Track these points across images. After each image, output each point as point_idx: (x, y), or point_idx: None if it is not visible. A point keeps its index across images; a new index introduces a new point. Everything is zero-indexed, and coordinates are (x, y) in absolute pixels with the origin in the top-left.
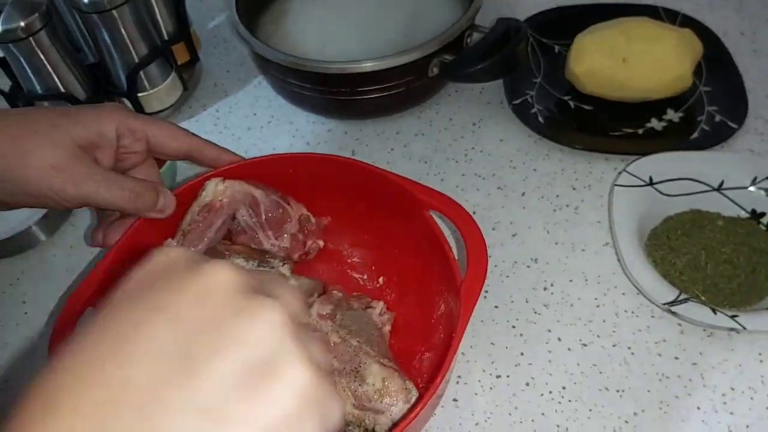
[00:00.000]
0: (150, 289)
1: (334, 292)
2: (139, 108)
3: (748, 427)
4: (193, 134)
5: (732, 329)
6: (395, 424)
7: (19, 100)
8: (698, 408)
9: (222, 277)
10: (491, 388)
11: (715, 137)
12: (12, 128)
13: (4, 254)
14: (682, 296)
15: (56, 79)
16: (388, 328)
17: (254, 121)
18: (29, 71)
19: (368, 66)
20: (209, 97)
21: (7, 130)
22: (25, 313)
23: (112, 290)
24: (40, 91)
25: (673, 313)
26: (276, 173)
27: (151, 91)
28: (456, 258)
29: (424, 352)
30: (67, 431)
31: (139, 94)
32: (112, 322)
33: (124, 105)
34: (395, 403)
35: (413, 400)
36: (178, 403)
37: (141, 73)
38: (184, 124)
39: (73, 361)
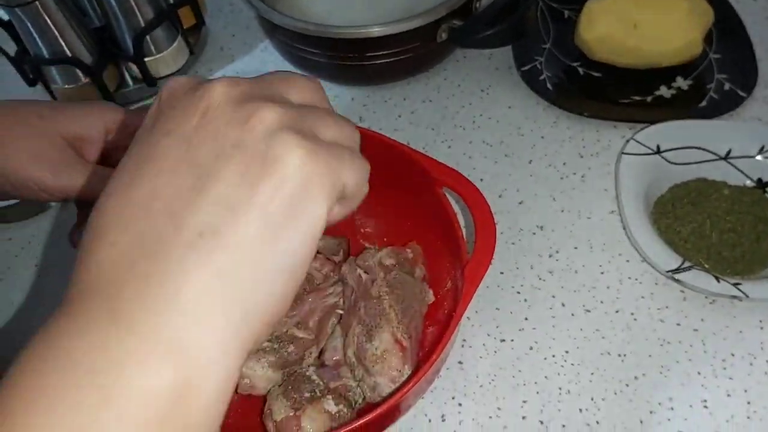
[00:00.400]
0: (160, 118)
1: (408, 251)
2: (146, 72)
3: (746, 391)
4: None
5: (734, 297)
6: (390, 394)
7: (25, 64)
8: (698, 373)
9: (216, 93)
10: (495, 352)
11: (724, 106)
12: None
13: (16, 218)
14: (686, 264)
15: (62, 43)
16: (431, 296)
17: None
18: (35, 35)
19: (376, 31)
20: (215, 61)
21: None
22: (38, 276)
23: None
24: (46, 56)
25: (677, 281)
26: None
27: (158, 56)
28: (464, 236)
29: (428, 326)
30: (110, 243)
31: (146, 59)
32: (135, 148)
33: (114, 104)
34: (382, 376)
35: (399, 383)
36: (194, 200)
37: (147, 37)
38: None
39: (111, 185)
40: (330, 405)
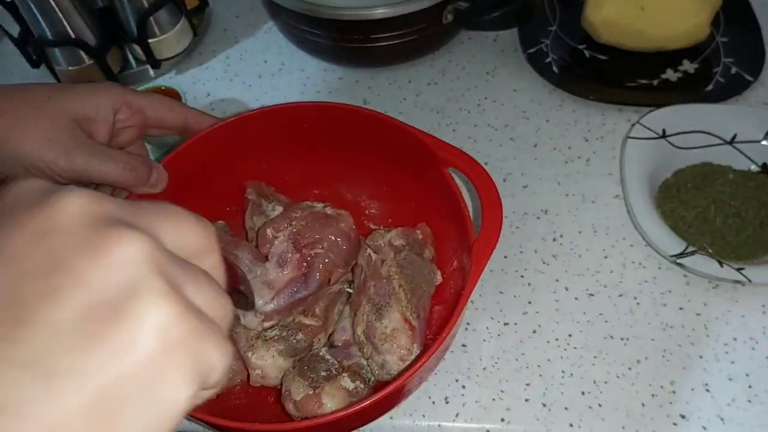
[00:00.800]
0: None
1: (418, 232)
2: (150, 54)
3: (747, 375)
4: (189, 107)
5: (737, 281)
6: (399, 374)
7: (29, 46)
8: (700, 357)
9: (70, 209)
10: (499, 335)
11: (730, 90)
12: (7, 101)
13: None
14: (690, 248)
15: (66, 25)
16: (439, 277)
17: (265, 69)
18: (39, 16)
19: (381, 12)
20: (219, 43)
21: (2, 103)
22: None
23: None
24: (50, 37)
25: (681, 265)
26: (292, 123)
27: (161, 37)
28: (471, 216)
29: (435, 305)
30: None
31: (150, 40)
32: None
33: (121, 84)
34: (391, 354)
35: (408, 361)
36: (2, 358)
37: (151, 18)
38: (194, 71)
39: None
40: (347, 382)
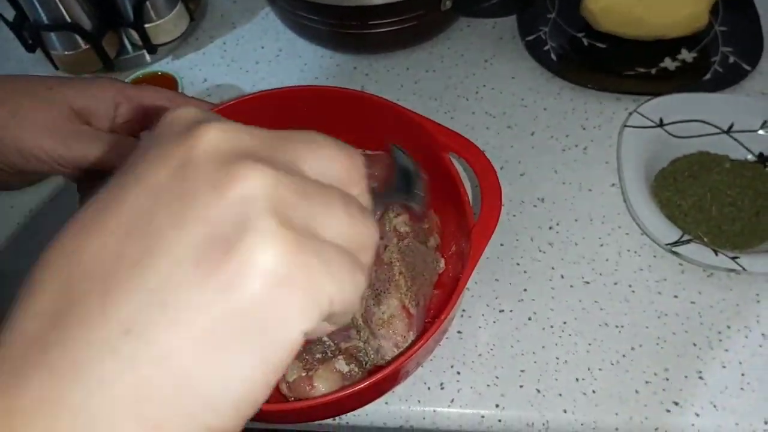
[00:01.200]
0: (147, 152)
1: (425, 221)
2: (146, 39)
3: (740, 363)
4: (188, 96)
5: (732, 270)
6: (394, 358)
7: (24, 30)
8: (694, 344)
9: (208, 142)
10: (494, 322)
11: (728, 79)
12: (8, 90)
13: (17, 186)
14: (685, 237)
15: (62, 9)
16: (442, 265)
17: (262, 54)
18: (34, 0)
19: None
20: (216, 28)
21: (2, 92)
22: (39, 242)
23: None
24: (45, 21)
25: (676, 254)
26: (291, 107)
27: (158, 22)
28: (470, 201)
29: (433, 289)
30: (34, 314)
31: (146, 25)
32: (113, 180)
33: (119, 79)
34: (387, 340)
35: (402, 348)
36: (131, 282)
37: (147, 3)
38: (191, 57)
39: (68, 227)
40: (341, 365)
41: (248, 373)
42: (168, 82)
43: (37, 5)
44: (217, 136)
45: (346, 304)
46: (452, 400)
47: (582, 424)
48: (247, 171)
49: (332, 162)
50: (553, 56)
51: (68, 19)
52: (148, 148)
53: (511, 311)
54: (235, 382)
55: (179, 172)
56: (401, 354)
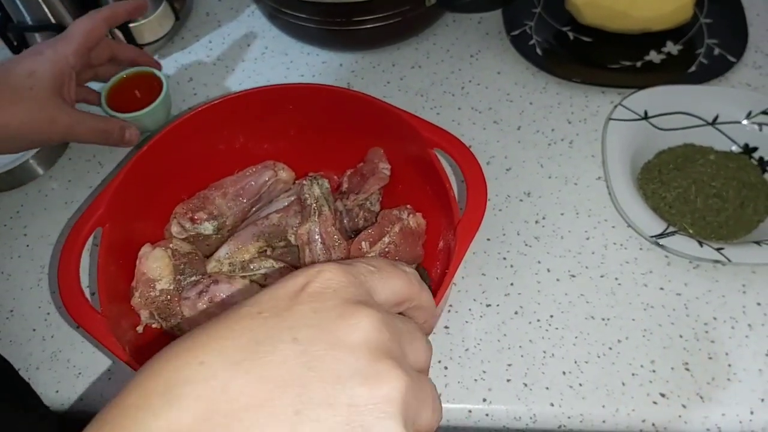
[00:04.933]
0: (291, 314)
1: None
2: (131, 39)
3: (727, 354)
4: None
5: (717, 261)
6: None
7: (9, 31)
8: (680, 336)
9: (360, 331)
10: (481, 317)
11: (713, 71)
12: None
13: (4, 188)
14: (671, 229)
15: (46, 10)
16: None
17: (248, 53)
18: (18, 2)
19: None
20: (202, 27)
21: None
22: (27, 245)
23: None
24: (29, 22)
25: (661, 246)
26: (278, 106)
27: (143, 21)
28: (456, 196)
29: None
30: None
31: (131, 25)
32: (254, 323)
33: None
34: None
35: None
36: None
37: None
38: (177, 55)
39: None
40: None
41: None
42: (152, 80)
43: (21, 6)
44: (370, 328)
45: (433, 425)
46: (440, 395)
47: (569, 417)
48: (387, 372)
49: (395, 284)
50: (538, 51)
51: (52, 20)
52: (296, 307)
53: (497, 305)
54: None
55: (332, 351)
56: None
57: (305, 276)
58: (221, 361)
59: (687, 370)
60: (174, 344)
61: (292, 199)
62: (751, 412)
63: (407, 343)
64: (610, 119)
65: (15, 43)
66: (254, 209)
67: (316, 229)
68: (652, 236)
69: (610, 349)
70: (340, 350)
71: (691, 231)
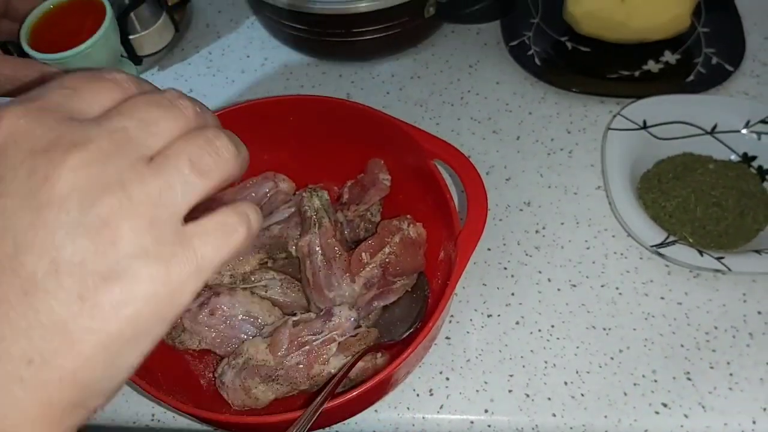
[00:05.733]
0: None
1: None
2: (131, 51)
3: (729, 363)
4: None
5: (717, 270)
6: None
7: (9, 44)
8: (681, 345)
9: (63, 182)
10: (483, 327)
11: (711, 80)
12: None
13: None
14: (671, 238)
15: None
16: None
17: (248, 64)
18: None
19: (363, 6)
20: (202, 38)
21: None
22: None
23: None
24: None
25: (661, 255)
26: (279, 117)
27: (143, 33)
28: (456, 206)
29: None
30: None
31: (131, 37)
32: None
33: None
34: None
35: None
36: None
37: (132, 14)
38: (177, 67)
39: None
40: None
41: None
42: (95, 10)
43: None
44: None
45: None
46: (441, 407)
47: (571, 428)
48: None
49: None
50: (537, 61)
51: None
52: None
53: (499, 316)
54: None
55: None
56: (389, 364)
57: None
58: None
59: (689, 379)
60: None
61: (293, 210)
62: (753, 422)
63: (141, 140)
64: (609, 129)
65: (17, 55)
66: None
67: (317, 241)
68: (652, 246)
69: (612, 359)
70: (49, 211)
71: (691, 240)
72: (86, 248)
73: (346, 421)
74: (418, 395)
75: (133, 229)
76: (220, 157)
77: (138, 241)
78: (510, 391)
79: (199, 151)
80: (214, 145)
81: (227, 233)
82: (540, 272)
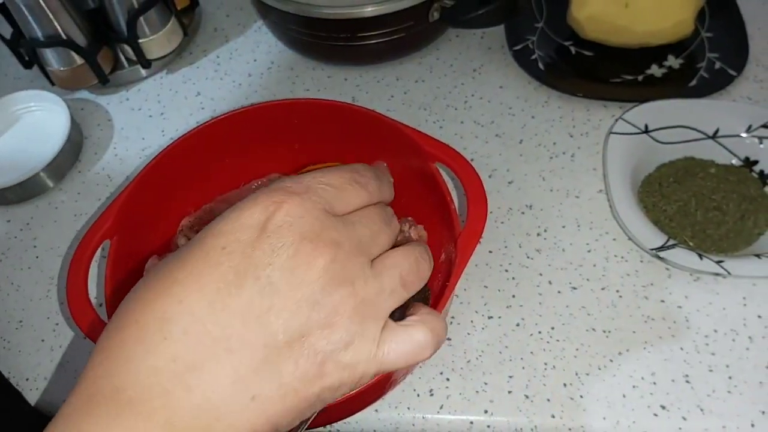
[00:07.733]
0: (253, 252)
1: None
2: (140, 54)
3: (727, 366)
4: None
5: (717, 274)
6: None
7: (21, 47)
8: (681, 348)
9: (315, 269)
10: (483, 329)
11: (714, 84)
12: None
13: (14, 200)
14: (671, 242)
15: (57, 26)
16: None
17: (255, 68)
18: (29, 18)
19: (368, 11)
20: (210, 42)
21: None
22: (36, 257)
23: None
24: (41, 38)
25: (661, 258)
26: (283, 120)
27: (152, 37)
28: (457, 209)
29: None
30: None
31: (140, 40)
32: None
33: None
34: None
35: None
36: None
37: (141, 18)
38: (185, 70)
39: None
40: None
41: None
42: None
43: (33, 23)
44: (323, 264)
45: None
46: (441, 407)
47: (570, 429)
48: (340, 308)
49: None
50: (540, 65)
51: (63, 36)
52: (263, 240)
53: (499, 317)
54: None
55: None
56: None
57: (263, 209)
58: (197, 300)
59: (687, 382)
60: (151, 283)
61: None
62: (752, 425)
63: (369, 247)
64: (611, 133)
65: (27, 59)
66: None
67: None
68: (652, 249)
69: (611, 361)
70: (298, 288)
71: (691, 244)
72: (316, 323)
73: (346, 420)
74: (418, 395)
75: (351, 319)
76: (421, 277)
77: (350, 331)
78: (510, 392)
79: (409, 268)
80: (422, 266)
81: (416, 353)
82: (541, 275)
